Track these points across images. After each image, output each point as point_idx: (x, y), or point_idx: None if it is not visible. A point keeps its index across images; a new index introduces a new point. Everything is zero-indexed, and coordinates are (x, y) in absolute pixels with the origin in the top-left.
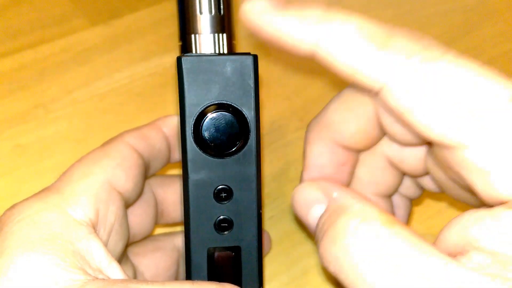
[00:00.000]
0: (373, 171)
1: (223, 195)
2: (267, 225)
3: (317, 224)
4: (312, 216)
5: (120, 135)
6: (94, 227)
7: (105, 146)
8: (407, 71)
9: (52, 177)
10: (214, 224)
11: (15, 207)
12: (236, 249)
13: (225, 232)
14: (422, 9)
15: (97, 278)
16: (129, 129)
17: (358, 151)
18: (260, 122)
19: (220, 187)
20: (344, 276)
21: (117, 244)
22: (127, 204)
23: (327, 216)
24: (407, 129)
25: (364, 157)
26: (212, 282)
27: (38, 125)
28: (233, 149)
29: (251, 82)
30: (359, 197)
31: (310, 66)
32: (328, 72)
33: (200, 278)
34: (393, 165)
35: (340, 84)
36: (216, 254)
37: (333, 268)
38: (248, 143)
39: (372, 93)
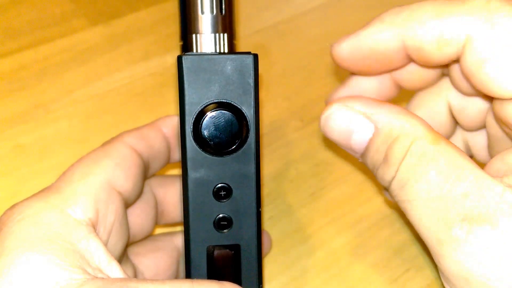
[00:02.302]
0: (430, 113)
1: (223, 193)
2: (267, 225)
3: (368, 148)
4: (357, 141)
5: (120, 135)
6: (94, 227)
7: (104, 146)
8: (482, 26)
9: (52, 177)
10: (214, 222)
11: (15, 207)
12: (236, 247)
13: (225, 230)
14: None
15: (96, 277)
16: (129, 129)
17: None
18: (260, 121)
19: (220, 185)
20: (397, 190)
21: (117, 244)
22: (127, 204)
23: (382, 141)
24: (474, 83)
25: (424, 96)
26: (212, 280)
27: (38, 125)
28: (233, 148)
29: (251, 81)
30: (405, 112)
31: (310, 67)
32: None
33: (199, 276)
34: (452, 113)
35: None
36: (215, 252)
37: (393, 185)
38: (247, 142)
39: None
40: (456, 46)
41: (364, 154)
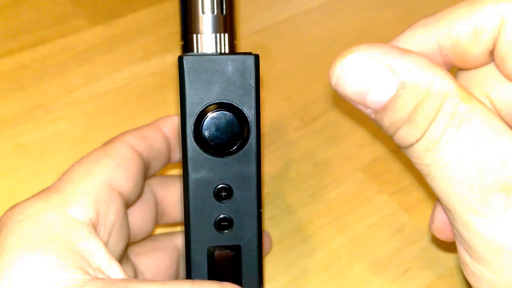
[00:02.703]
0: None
1: (223, 194)
2: (267, 225)
3: (389, 106)
4: (376, 97)
5: (120, 135)
6: (95, 227)
7: (105, 146)
8: None
9: (52, 177)
10: (214, 223)
11: (16, 207)
12: (236, 248)
13: (225, 231)
14: (422, 9)
15: (97, 278)
16: (129, 129)
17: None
18: (261, 121)
19: (220, 186)
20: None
21: (118, 244)
22: (127, 204)
23: (408, 97)
24: None
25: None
26: (212, 281)
27: (38, 125)
28: (234, 148)
29: (252, 82)
30: (433, 64)
31: (310, 67)
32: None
33: (200, 277)
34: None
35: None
36: (216, 253)
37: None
38: (248, 142)
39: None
40: (492, 32)
41: (381, 111)
